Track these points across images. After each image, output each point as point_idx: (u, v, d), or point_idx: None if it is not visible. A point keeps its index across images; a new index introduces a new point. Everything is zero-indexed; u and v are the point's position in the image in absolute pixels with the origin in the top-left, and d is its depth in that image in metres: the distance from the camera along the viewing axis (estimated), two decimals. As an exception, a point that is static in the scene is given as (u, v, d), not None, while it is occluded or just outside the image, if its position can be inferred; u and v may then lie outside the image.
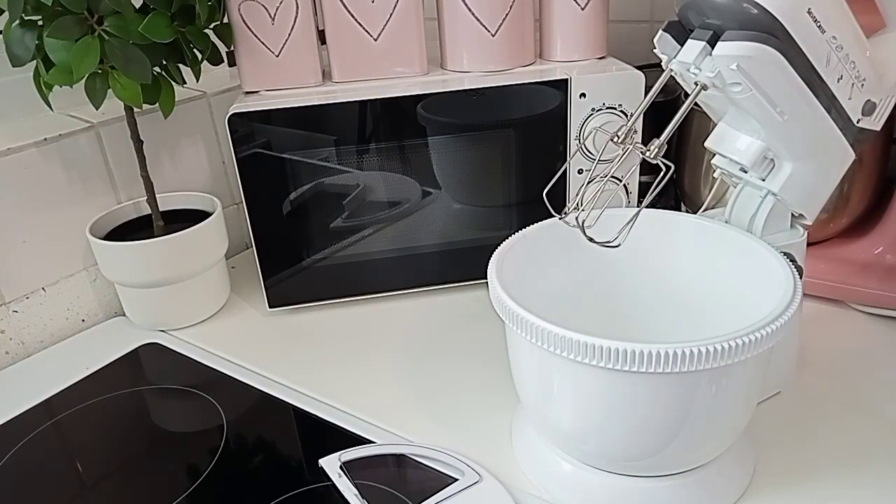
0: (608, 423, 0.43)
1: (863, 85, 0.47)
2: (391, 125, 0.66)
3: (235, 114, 0.63)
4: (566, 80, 0.65)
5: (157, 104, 0.63)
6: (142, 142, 0.67)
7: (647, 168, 0.58)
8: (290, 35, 0.65)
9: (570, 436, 0.46)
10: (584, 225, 0.47)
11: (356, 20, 0.65)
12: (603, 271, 0.54)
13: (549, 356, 0.41)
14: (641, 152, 0.46)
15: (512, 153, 0.68)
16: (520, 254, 0.50)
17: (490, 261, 0.48)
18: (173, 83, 0.64)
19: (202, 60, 0.65)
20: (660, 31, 0.48)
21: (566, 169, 0.69)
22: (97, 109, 0.60)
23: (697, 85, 0.46)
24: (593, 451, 0.46)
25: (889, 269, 0.64)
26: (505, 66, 0.68)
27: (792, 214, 0.52)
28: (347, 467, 0.51)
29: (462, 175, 0.69)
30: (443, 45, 0.70)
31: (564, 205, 0.53)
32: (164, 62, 0.63)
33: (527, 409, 0.50)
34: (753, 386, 0.44)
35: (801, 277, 0.52)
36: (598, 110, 0.67)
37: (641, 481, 0.46)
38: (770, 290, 0.44)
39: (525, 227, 0.52)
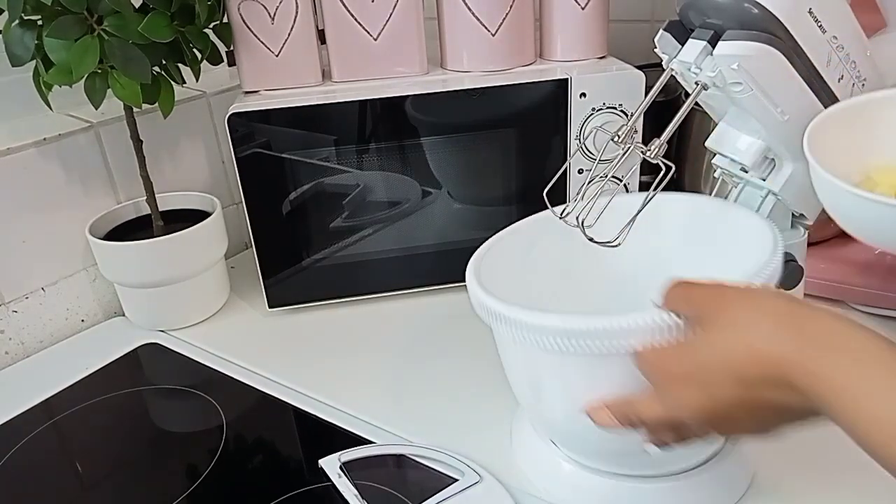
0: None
1: (863, 85, 0.47)
2: (391, 125, 0.66)
3: (235, 114, 0.63)
4: (566, 79, 0.65)
5: (156, 104, 0.63)
6: (141, 142, 0.67)
7: (648, 168, 0.58)
8: (289, 35, 0.65)
9: (567, 431, 0.46)
10: (584, 224, 0.47)
11: (356, 20, 0.65)
12: (588, 263, 0.53)
13: (531, 349, 0.40)
14: (642, 152, 0.46)
15: (512, 153, 0.68)
16: (497, 256, 0.50)
17: (467, 265, 0.47)
18: (173, 83, 0.64)
19: (202, 60, 0.65)
20: (660, 31, 0.48)
21: (566, 169, 0.69)
22: (97, 109, 0.60)
23: (698, 85, 0.46)
24: (592, 448, 0.46)
25: (889, 269, 0.64)
26: (505, 66, 0.68)
27: (793, 214, 0.52)
28: (347, 467, 0.51)
29: (462, 175, 0.69)
30: (443, 45, 0.69)
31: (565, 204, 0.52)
32: (164, 62, 0.63)
33: (522, 407, 0.50)
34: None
35: (801, 277, 0.52)
36: (598, 110, 0.67)
37: (641, 482, 0.46)
38: (750, 248, 0.44)
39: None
